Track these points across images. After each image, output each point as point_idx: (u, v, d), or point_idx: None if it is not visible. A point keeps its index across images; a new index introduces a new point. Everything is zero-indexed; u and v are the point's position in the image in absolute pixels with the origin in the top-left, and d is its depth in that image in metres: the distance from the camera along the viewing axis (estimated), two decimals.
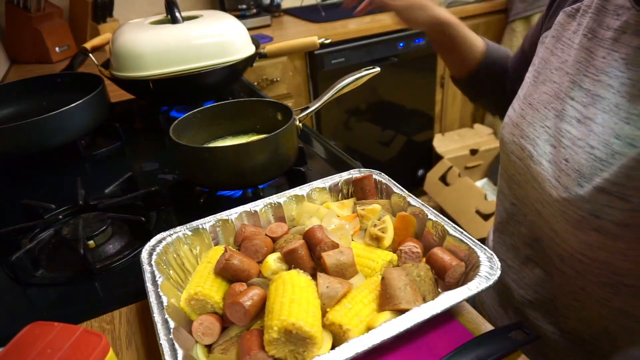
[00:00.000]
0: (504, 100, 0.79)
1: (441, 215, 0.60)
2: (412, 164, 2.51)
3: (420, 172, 2.51)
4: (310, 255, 0.56)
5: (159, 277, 0.54)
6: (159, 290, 0.52)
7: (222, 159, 0.72)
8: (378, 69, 0.91)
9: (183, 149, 0.74)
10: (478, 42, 0.84)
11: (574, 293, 0.60)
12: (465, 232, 0.57)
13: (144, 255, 0.57)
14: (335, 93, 0.89)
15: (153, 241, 0.59)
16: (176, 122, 0.79)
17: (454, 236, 0.57)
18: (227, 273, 0.54)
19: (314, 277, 0.52)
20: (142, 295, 0.53)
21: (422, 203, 0.63)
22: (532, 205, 0.61)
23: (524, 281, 0.67)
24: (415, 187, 2.50)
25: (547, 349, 0.67)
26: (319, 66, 1.94)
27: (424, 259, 0.56)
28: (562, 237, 0.56)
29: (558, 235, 0.56)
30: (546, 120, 0.58)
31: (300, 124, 0.83)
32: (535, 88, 0.62)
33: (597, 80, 0.52)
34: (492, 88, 0.85)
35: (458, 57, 0.85)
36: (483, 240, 0.71)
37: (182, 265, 0.60)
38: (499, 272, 0.51)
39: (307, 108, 0.86)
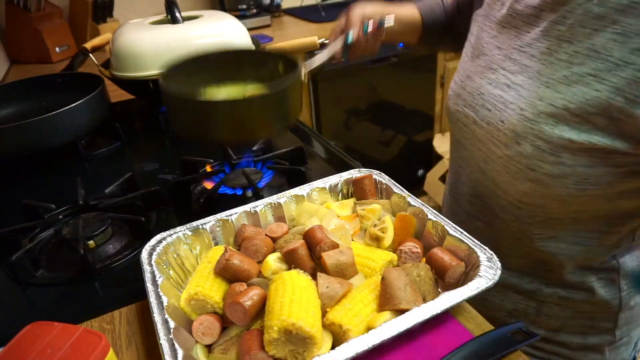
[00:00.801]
0: (454, 39, 0.90)
1: (441, 215, 0.60)
2: (412, 164, 2.51)
3: (420, 172, 2.52)
4: (310, 255, 0.56)
5: (159, 277, 0.54)
6: (159, 290, 0.52)
7: (221, 113, 0.65)
8: (392, 22, 0.86)
9: (175, 101, 0.67)
10: (414, 14, 0.90)
11: (513, 234, 0.69)
12: (465, 232, 0.57)
13: (144, 255, 0.57)
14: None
15: (153, 241, 0.59)
16: (167, 68, 0.72)
17: (454, 236, 0.57)
18: (227, 273, 0.54)
19: (314, 277, 0.52)
20: (142, 295, 0.53)
21: (422, 203, 0.63)
22: (476, 165, 0.69)
23: (472, 233, 0.74)
24: (415, 187, 2.50)
25: (497, 286, 0.73)
26: (318, 66, 1.94)
27: (424, 259, 0.56)
28: (502, 189, 0.65)
29: (499, 187, 0.65)
30: (481, 88, 0.65)
31: (307, 77, 0.79)
32: (472, 62, 0.70)
33: (522, 51, 0.60)
34: (440, 39, 0.94)
35: (408, 33, 0.92)
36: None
37: (182, 265, 0.60)
38: (499, 272, 0.51)
39: (312, 54, 0.79)
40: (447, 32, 0.91)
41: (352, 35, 0.78)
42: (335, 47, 0.80)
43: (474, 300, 0.52)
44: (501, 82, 0.62)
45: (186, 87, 0.73)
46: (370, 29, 0.80)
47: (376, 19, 0.81)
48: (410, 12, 0.91)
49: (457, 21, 0.87)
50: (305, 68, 0.74)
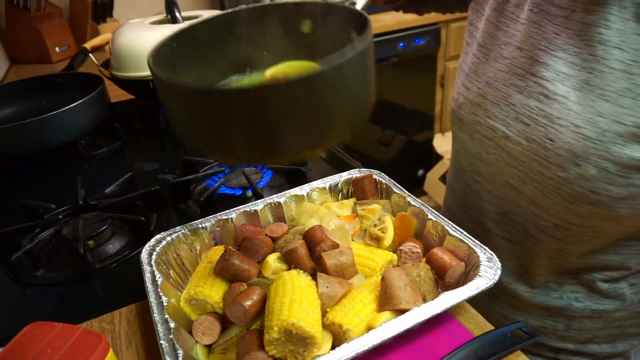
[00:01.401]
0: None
1: (441, 215, 0.60)
2: (412, 164, 2.51)
3: (420, 172, 2.51)
4: (310, 255, 0.56)
5: (159, 277, 0.54)
6: (159, 290, 0.52)
7: (256, 111, 0.37)
8: None
9: (177, 95, 0.40)
10: None
11: (548, 254, 0.63)
12: (465, 232, 0.57)
13: (144, 255, 0.57)
14: None
15: (153, 241, 0.59)
16: (162, 42, 0.45)
17: (454, 236, 0.57)
18: (227, 273, 0.54)
19: (314, 277, 0.52)
20: (142, 295, 0.53)
21: (422, 203, 0.63)
22: (505, 182, 0.62)
23: (493, 251, 0.69)
24: (415, 187, 2.50)
25: (518, 305, 0.71)
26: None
27: (424, 259, 0.56)
28: (546, 210, 0.58)
29: (541, 208, 0.59)
30: (509, 97, 0.58)
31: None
32: (488, 66, 0.62)
33: (555, 56, 0.53)
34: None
35: None
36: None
37: (182, 265, 0.60)
38: (499, 272, 0.51)
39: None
40: None
41: None
42: None
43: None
44: (534, 91, 0.55)
45: (191, 76, 0.48)
46: None
47: None
48: None
49: None
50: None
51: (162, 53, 0.45)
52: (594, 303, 0.66)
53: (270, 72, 0.49)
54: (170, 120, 0.48)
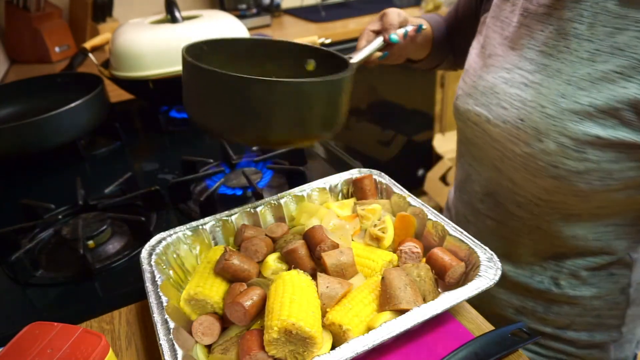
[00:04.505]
0: (454, 55, 0.91)
1: (441, 215, 0.60)
2: (412, 164, 2.51)
3: (420, 172, 2.51)
4: (310, 255, 0.56)
5: (159, 277, 0.54)
6: (158, 290, 0.52)
7: (277, 98, 0.52)
8: (426, 27, 0.83)
9: (209, 78, 0.53)
10: (427, 28, 0.86)
11: (528, 232, 0.69)
12: (465, 232, 0.57)
13: (144, 255, 0.57)
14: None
15: (153, 241, 0.59)
16: (188, 46, 0.59)
17: (454, 236, 0.57)
18: (227, 273, 0.54)
19: (314, 277, 0.52)
20: (142, 295, 0.53)
21: (422, 203, 0.63)
22: (491, 163, 0.69)
23: (482, 232, 0.76)
24: (415, 187, 2.50)
25: (504, 283, 0.75)
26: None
27: (424, 259, 0.56)
28: (520, 186, 0.65)
29: (516, 185, 0.66)
30: (495, 87, 0.65)
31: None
32: (482, 62, 0.70)
33: (539, 50, 0.61)
34: (445, 54, 0.92)
35: (421, 46, 0.87)
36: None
37: (182, 265, 0.60)
38: (499, 272, 0.51)
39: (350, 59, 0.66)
40: (449, 46, 0.90)
41: (396, 35, 0.72)
42: (373, 47, 0.71)
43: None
44: (517, 81, 0.62)
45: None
46: (410, 31, 0.76)
47: (415, 23, 0.78)
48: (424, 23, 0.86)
49: (457, 36, 0.87)
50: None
51: (193, 48, 0.59)
52: (572, 290, 0.69)
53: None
54: (190, 101, 0.59)
